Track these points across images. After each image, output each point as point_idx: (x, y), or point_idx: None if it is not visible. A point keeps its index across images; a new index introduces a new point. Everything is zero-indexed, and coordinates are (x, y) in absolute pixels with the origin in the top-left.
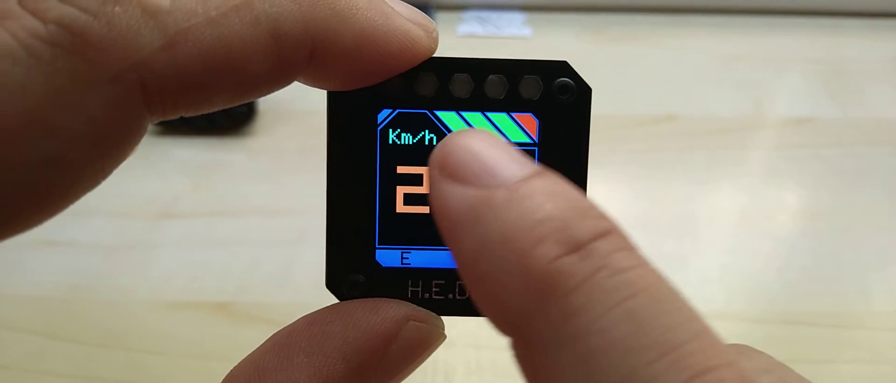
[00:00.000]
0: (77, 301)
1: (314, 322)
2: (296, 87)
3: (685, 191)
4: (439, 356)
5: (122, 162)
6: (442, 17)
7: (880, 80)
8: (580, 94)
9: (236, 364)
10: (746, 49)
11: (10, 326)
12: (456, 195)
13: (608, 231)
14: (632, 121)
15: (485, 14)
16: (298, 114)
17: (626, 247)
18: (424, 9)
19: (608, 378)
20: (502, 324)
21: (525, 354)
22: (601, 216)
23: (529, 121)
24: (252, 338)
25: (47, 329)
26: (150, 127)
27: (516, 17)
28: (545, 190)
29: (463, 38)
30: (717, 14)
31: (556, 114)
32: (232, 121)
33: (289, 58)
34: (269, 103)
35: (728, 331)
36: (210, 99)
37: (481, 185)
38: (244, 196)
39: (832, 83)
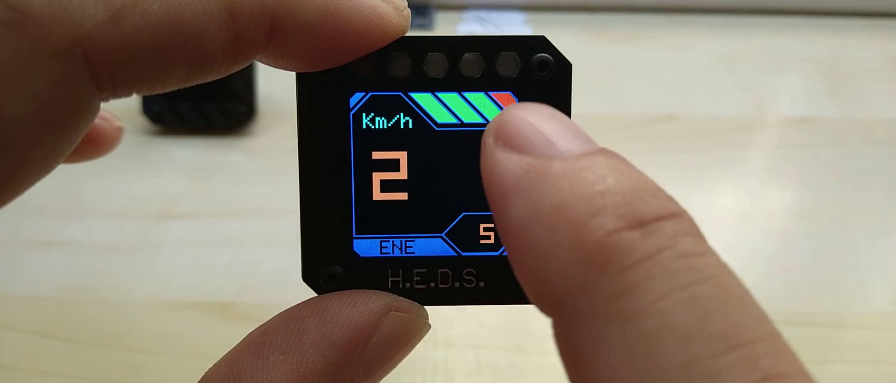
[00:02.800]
0: (77, 301)
1: (290, 318)
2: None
3: (685, 191)
4: (439, 356)
5: (74, 145)
6: (442, 16)
7: (880, 80)
8: (560, 69)
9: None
10: (746, 49)
11: (10, 326)
12: (509, 162)
13: (676, 213)
14: (632, 121)
15: (485, 14)
16: None
17: (695, 233)
18: (424, 8)
19: (663, 363)
20: (546, 299)
21: (568, 333)
22: (670, 198)
23: (508, 99)
24: None
25: (47, 329)
26: (150, 126)
27: (516, 17)
28: (609, 165)
29: None
30: (717, 14)
31: (536, 91)
32: (232, 121)
33: (246, 33)
34: (269, 103)
35: None
36: (163, 76)
37: (538, 155)
38: (244, 196)
39: (832, 83)
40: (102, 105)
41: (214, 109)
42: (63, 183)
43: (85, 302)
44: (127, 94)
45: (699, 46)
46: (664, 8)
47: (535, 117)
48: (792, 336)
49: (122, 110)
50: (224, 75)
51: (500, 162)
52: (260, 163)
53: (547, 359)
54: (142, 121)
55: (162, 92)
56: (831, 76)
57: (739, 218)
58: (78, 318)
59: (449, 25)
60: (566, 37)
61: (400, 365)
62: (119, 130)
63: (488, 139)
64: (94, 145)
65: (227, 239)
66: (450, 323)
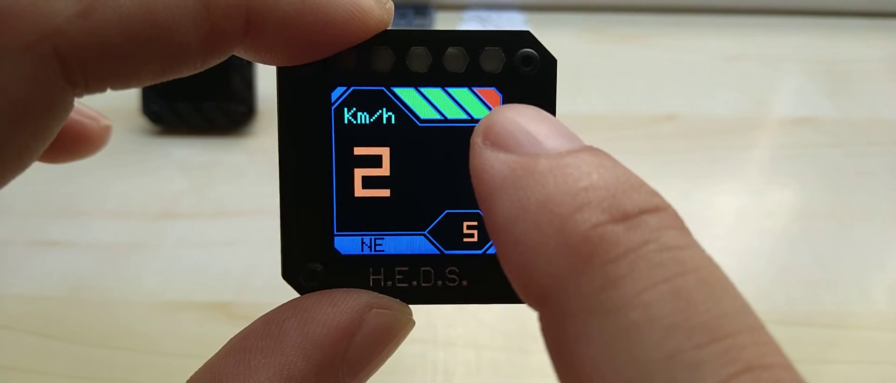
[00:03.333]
0: (77, 301)
1: (270, 321)
2: None
3: (685, 191)
4: (439, 356)
5: (48, 141)
6: (442, 17)
7: (880, 80)
8: (544, 65)
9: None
10: (746, 49)
11: (10, 326)
12: (497, 161)
13: (660, 207)
14: (632, 121)
15: (485, 14)
16: None
17: (679, 226)
18: (424, 8)
19: (646, 355)
20: (533, 293)
21: (554, 327)
22: (654, 193)
23: (492, 95)
24: None
25: (47, 329)
26: (150, 126)
27: (516, 17)
28: (593, 162)
29: None
30: (717, 14)
31: (521, 87)
32: (232, 121)
33: (222, 26)
34: (269, 103)
35: None
36: (136, 71)
37: (525, 153)
38: (244, 196)
39: (832, 83)
40: (91, 103)
41: (214, 109)
42: (62, 183)
43: (85, 302)
44: (101, 89)
45: (699, 46)
46: (664, 8)
47: (523, 117)
48: (792, 336)
49: (121, 110)
50: (200, 70)
51: (488, 161)
52: (260, 163)
53: (547, 359)
54: (141, 121)
55: (137, 87)
56: (831, 76)
57: (739, 217)
58: (78, 318)
59: (449, 25)
60: (566, 37)
61: (400, 365)
62: (106, 129)
63: (477, 139)
64: (81, 144)
65: (226, 239)
66: (450, 323)
